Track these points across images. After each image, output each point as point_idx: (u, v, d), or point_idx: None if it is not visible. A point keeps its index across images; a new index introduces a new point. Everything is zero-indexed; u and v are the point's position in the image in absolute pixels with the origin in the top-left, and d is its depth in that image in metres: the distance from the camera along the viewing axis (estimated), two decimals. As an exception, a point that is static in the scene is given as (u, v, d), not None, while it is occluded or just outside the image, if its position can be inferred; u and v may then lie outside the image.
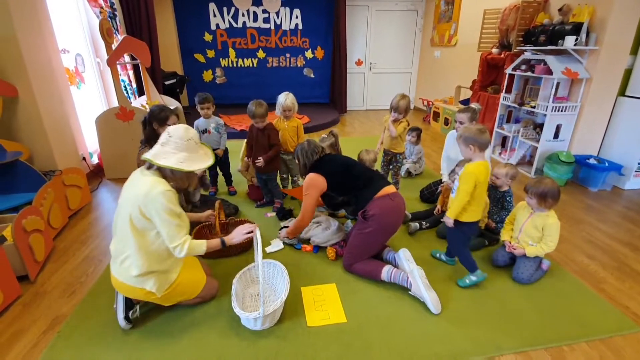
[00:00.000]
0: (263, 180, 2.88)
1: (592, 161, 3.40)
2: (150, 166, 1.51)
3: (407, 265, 1.95)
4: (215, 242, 1.66)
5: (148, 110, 2.45)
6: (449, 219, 1.92)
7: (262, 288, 1.57)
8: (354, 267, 2.05)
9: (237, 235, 1.71)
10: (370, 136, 5.38)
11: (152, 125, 2.29)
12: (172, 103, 4.29)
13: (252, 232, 1.68)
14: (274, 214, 2.84)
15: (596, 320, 1.76)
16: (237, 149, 3.41)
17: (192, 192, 2.66)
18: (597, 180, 3.34)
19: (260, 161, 2.62)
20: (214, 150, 2.94)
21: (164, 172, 1.50)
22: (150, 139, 2.26)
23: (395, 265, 2.04)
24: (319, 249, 2.33)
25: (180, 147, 1.48)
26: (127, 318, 1.64)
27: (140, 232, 1.49)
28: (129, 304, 1.68)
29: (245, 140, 2.85)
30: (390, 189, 2.02)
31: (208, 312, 1.79)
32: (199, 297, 1.77)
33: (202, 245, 1.59)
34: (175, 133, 1.49)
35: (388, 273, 1.94)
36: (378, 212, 1.94)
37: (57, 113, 2.98)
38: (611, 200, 3.21)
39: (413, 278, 1.87)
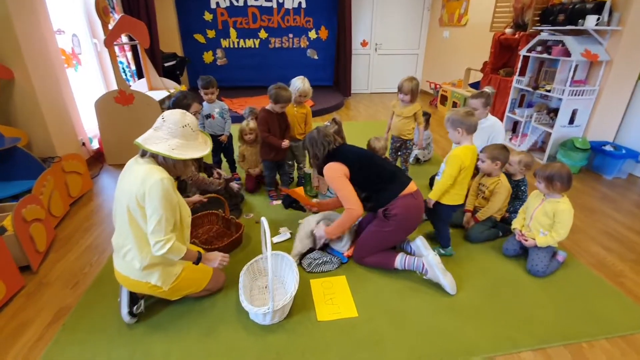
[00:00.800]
0: (272, 167, 2.78)
1: (608, 148, 3.28)
2: (144, 153, 1.42)
3: (425, 252, 1.90)
4: (193, 254, 1.56)
5: (172, 96, 2.40)
6: (430, 200, 2.03)
7: (271, 282, 1.51)
8: (366, 260, 1.99)
9: (213, 260, 1.66)
10: (376, 120, 5.25)
11: None
12: (171, 86, 4.16)
13: (226, 262, 1.69)
14: (279, 201, 2.76)
15: (616, 315, 1.70)
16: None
17: (189, 186, 2.49)
18: (613, 167, 3.24)
19: (286, 143, 2.54)
20: (218, 136, 2.87)
21: (158, 159, 1.41)
22: None
23: (411, 254, 1.99)
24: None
25: (174, 133, 1.38)
26: (131, 313, 1.59)
27: (139, 225, 1.41)
28: (134, 298, 1.63)
29: (263, 132, 2.63)
30: (413, 186, 1.91)
31: (216, 305, 1.74)
32: (205, 290, 1.72)
33: (180, 252, 1.47)
34: (170, 117, 1.39)
35: (401, 261, 1.90)
36: (401, 212, 1.85)
37: (54, 96, 2.87)
38: (627, 188, 3.11)
39: (429, 264, 1.83)
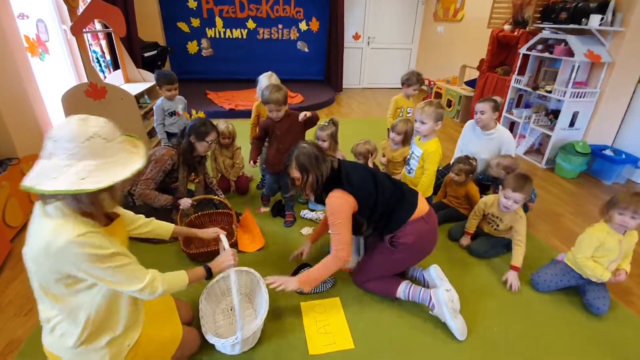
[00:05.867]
0: (276, 181, 2.39)
1: (608, 152, 3.18)
2: (46, 197, 0.94)
3: (439, 283, 1.67)
4: (199, 273, 1.29)
5: (190, 121, 2.15)
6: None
7: (239, 313, 1.30)
8: (367, 285, 1.78)
9: (223, 264, 1.38)
10: (370, 118, 5.05)
11: (190, 138, 2.06)
12: (150, 78, 3.85)
13: (236, 260, 1.40)
14: (267, 208, 2.55)
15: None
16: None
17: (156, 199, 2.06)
18: (612, 173, 3.14)
19: (306, 115, 2.12)
20: None
21: (67, 201, 0.93)
22: (186, 152, 2.09)
23: (424, 284, 1.77)
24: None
25: (77, 154, 0.88)
26: None
27: (62, 296, 1.00)
28: None
29: (252, 139, 2.34)
30: (423, 206, 1.65)
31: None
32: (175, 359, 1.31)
33: (180, 281, 1.19)
34: (61, 134, 0.88)
35: (405, 291, 1.67)
36: (411, 241, 1.61)
37: (13, 89, 2.56)
38: (627, 195, 3.02)
39: (437, 299, 1.58)
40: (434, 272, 1.72)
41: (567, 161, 3.21)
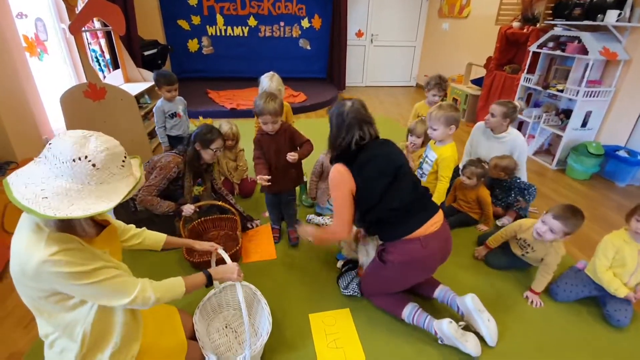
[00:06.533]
0: (277, 203, 2.15)
1: (622, 153, 3.09)
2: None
3: (478, 317, 1.49)
4: (198, 280, 1.20)
5: (196, 128, 2.06)
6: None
7: (247, 331, 1.23)
8: (373, 299, 1.70)
9: (225, 274, 1.28)
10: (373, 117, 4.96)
11: (195, 145, 1.98)
12: (150, 77, 3.76)
13: (240, 276, 1.31)
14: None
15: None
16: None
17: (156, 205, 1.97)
18: (627, 174, 3.05)
19: (294, 156, 1.82)
20: (184, 137, 2.56)
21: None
22: (192, 160, 2.02)
23: (458, 312, 1.58)
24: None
25: (58, 170, 0.82)
26: None
27: (55, 312, 0.95)
28: None
29: (254, 156, 1.96)
30: (429, 227, 1.43)
31: None
32: None
33: (175, 288, 1.10)
34: (55, 143, 0.83)
35: (410, 315, 1.54)
36: (398, 260, 1.45)
37: (11, 89, 2.49)
38: (642, 197, 2.94)
39: (479, 328, 1.46)
40: (471, 304, 1.50)
41: (579, 162, 3.12)
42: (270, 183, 1.82)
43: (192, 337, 1.37)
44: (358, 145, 1.44)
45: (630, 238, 1.61)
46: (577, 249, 2.25)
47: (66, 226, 0.90)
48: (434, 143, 2.08)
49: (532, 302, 1.77)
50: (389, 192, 1.42)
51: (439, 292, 1.63)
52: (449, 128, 1.89)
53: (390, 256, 1.47)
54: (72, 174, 0.82)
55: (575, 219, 1.63)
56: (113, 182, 0.87)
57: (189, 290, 1.14)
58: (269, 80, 2.32)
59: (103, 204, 0.84)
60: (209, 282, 1.23)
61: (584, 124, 3.24)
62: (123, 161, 0.90)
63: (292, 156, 1.82)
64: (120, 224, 1.25)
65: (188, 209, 1.93)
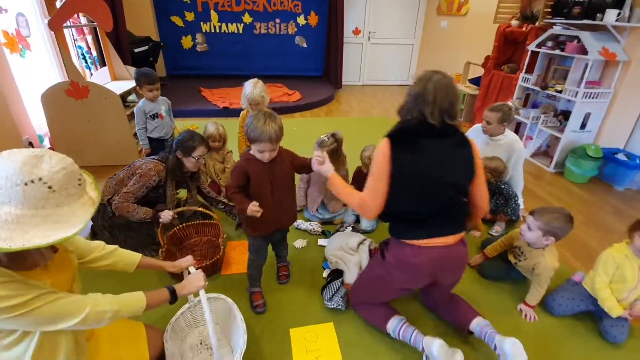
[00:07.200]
0: (265, 247, 1.68)
1: (621, 156, 3.01)
2: None
3: None
4: (161, 296, 1.11)
5: (178, 135, 1.95)
6: None
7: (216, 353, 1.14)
8: (359, 308, 1.63)
9: (190, 286, 1.21)
10: (371, 117, 4.86)
11: (176, 153, 1.88)
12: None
13: (205, 282, 1.23)
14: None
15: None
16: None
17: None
18: (625, 178, 2.96)
19: (321, 157, 1.44)
20: (168, 139, 2.47)
21: None
22: (175, 169, 1.92)
23: (494, 349, 1.36)
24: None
25: (5, 195, 0.73)
26: None
27: None
28: None
29: (228, 187, 1.52)
30: (436, 240, 1.31)
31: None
32: None
33: (137, 301, 1.02)
34: (1, 163, 0.74)
35: (396, 329, 1.45)
36: (394, 261, 1.39)
37: (-13, 89, 2.40)
38: (641, 202, 2.86)
39: None
40: (510, 350, 1.29)
41: (578, 165, 3.04)
42: (260, 213, 1.39)
43: (158, 354, 1.28)
44: (418, 124, 1.24)
45: (632, 253, 1.52)
46: (570, 254, 2.17)
47: (17, 257, 0.81)
48: None
49: (525, 315, 1.69)
50: (422, 197, 1.29)
51: (476, 326, 1.44)
52: None
53: (389, 252, 1.42)
54: (23, 199, 0.74)
55: (549, 214, 1.58)
56: (69, 204, 0.80)
57: (150, 306, 1.05)
58: (253, 87, 2.23)
59: (62, 230, 0.77)
60: (173, 299, 1.14)
61: (582, 126, 3.15)
62: (79, 179, 0.83)
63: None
64: (83, 243, 1.14)
65: (166, 215, 1.84)
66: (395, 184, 1.27)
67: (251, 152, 1.44)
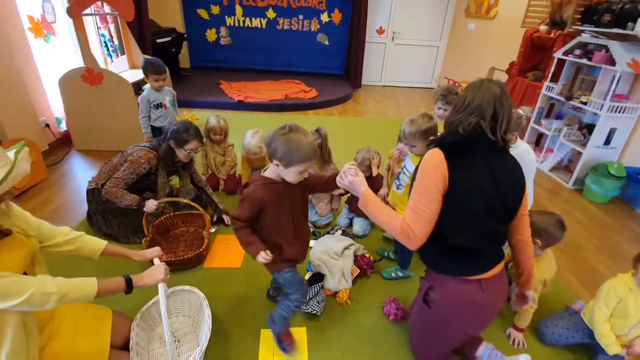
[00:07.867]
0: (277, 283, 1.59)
1: (647, 177, 2.78)
2: None
3: None
4: (116, 283, 1.10)
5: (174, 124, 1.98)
6: None
7: (171, 353, 1.15)
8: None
9: (149, 278, 1.18)
10: (385, 118, 4.76)
11: (169, 142, 1.91)
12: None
13: (166, 276, 1.21)
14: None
15: None
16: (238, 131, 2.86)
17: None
18: (650, 201, 2.74)
19: (353, 169, 1.16)
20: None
21: None
22: (166, 158, 1.94)
23: None
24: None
25: None
26: None
27: None
28: None
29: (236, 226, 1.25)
30: (495, 270, 1.17)
31: None
32: None
33: (87, 287, 1.01)
34: None
35: None
36: (445, 303, 1.18)
37: (6, 70, 2.51)
38: (666, 229, 2.63)
39: None
40: None
41: (598, 184, 2.83)
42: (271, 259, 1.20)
43: (124, 341, 1.29)
44: (473, 138, 1.07)
45: (637, 286, 1.38)
46: (577, 279, 2.02)
47: None
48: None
49: (514, 340, 1.59)
50: (478, 225, 1.10)
51: (484, 351, 1.37)
52: (428, 141, 1.65)
53: (435, 294, 1.19)
54: None
55: (537, 215, 1.53)
56: None
57: (102, 293, 1.04)
58: (251, 137, 2.28)
59: None
60: (129, 289, 1.13)
61: (607, 142, 2.93)
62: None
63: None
64: (46, 228, 1.15)
65: (150, 205, 1.86)
66: (450, 206, 1.06)
67: (265, 174, 1.22)
